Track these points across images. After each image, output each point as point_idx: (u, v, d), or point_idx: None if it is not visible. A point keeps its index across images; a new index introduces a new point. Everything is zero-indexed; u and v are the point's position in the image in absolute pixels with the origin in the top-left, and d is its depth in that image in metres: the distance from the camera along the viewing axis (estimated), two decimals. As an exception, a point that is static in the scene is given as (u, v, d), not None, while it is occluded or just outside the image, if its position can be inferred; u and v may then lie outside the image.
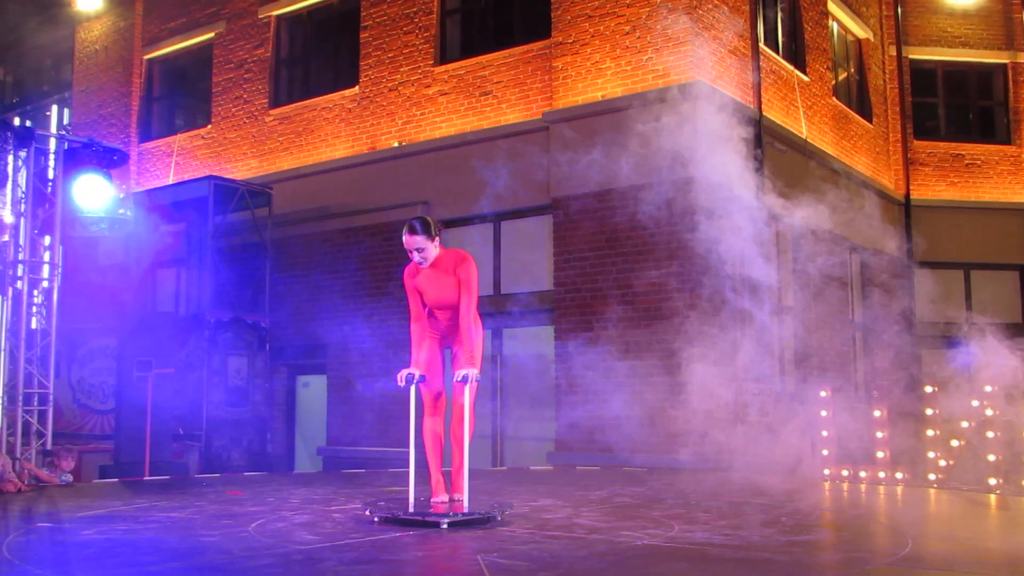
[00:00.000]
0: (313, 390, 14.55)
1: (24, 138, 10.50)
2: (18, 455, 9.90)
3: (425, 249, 6.18)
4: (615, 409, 10.61)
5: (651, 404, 10.70)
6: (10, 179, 10.39)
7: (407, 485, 6.34)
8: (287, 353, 14.12)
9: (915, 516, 7.13)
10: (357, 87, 14.21)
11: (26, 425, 10.32)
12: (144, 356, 12.04)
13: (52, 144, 10.93)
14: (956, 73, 17.31)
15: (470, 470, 6.19)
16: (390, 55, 13.88)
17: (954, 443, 8.47)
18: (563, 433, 11.37)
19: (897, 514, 7.25)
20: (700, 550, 5.21)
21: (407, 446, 6.45)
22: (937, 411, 8.57)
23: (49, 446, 10.46)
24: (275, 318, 13.79)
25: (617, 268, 11.30)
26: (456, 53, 13.38)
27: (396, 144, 13.51)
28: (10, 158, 10.35)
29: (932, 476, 8.45)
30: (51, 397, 10.63)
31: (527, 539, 5.48)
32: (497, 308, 12.30)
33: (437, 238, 6.22)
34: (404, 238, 6.21)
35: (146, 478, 10.58)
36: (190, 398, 12.73)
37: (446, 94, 13.23)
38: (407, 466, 6.38)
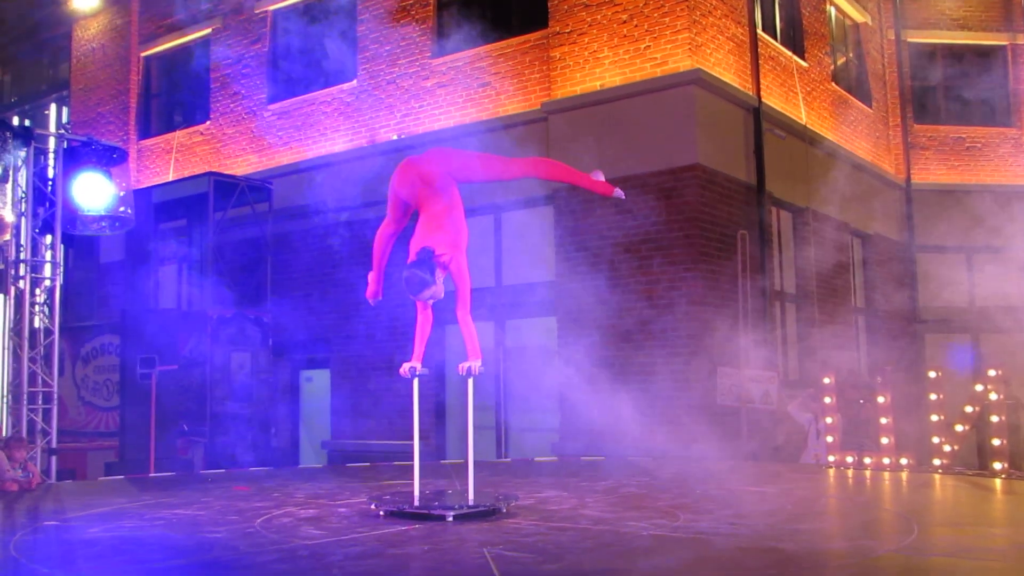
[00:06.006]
0: (317, 384, 14.56)
1: (24, 138, 10.48)
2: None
3: (436, 287, 5.92)
4: (619, 399, 10.60)
5: (655, 393, 10.71)
6: (10, 179, 10.38)
7: (412, 478, 6.35)
8: (290, 348, 14.12)
9: (920, 502, 7.12)
10: (355, 81, 14.19)
11: (31, 424, 10.34)
12: (147, 354, 12.04)
13: (51, 143, 10.93)
14: (955, 56, 17.21)
15: (474, 462, 6.19)
16: (387, 48, 13.85)
17: (959, 428, 8.46)
18: (567, 423, 11.37)
19: (902, 500, 7.25)
20: (706, 540, 5.21)
21: (411, 439, 6.46)
22: (941, 396, 8.56)
23: (54, 444, 10.48)
24: (277, 313, 13.78)
25: (619, 258, 11.29)
26: (454, 45, 13.32)
27: (395, 137, 13.49)
28: (10, 158, 10.34)
29: (937, 461, 8.44)
30: (55, 396, 10.64)
31: (533, 531, 5.48)
32: (499, 300, 12.29)
33: (438, 268, 5.90)
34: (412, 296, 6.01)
35: (151, 475, 10.60)
36: (194, 394, 12.74)
37: (444, 86, 13.20)
38: (411, 459, 6.39)
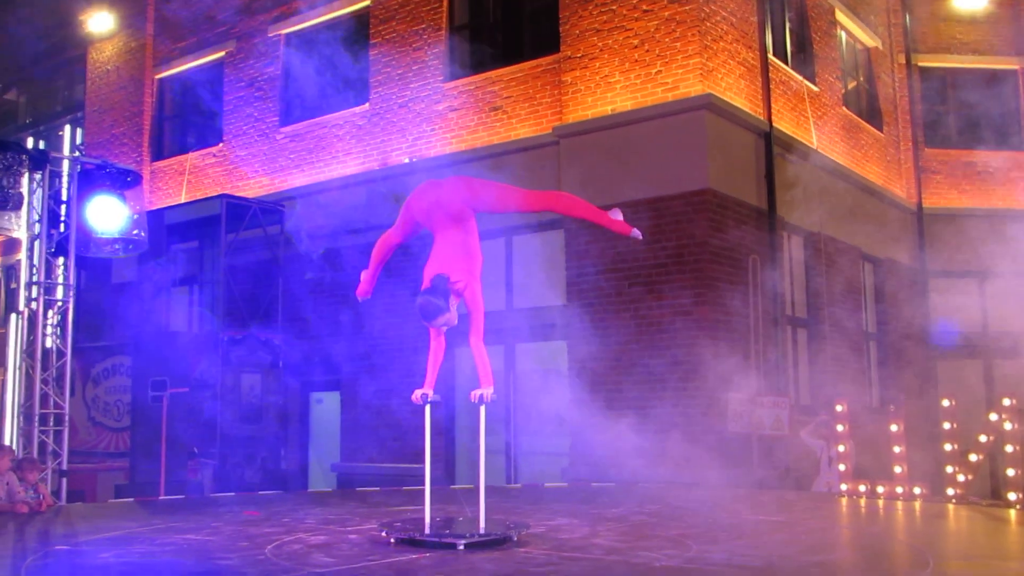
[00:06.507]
0: (327, 407, 14.56)
1: (39, 161, 10.53)
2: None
3: (449, 314, 5.96)
4: (629, 425, 10.57)
5: (665, 418, 10.67)
6: (25, 201, 10.43)
7: (422, 504, 6.33)
8: (300, 370, 14.14)
9: (935, 533, 7.07)
10: (367, 104, 14.26)
11: (42, 445, 10.34)
12: (158, 375, 12.07)
13: (66, 166, 10.98)
14: (966, 80, 17.20)
15: (485, 487, 6.17)
16: (400, 72, 13.92)
17: (972, 457, 8.40)
18: (577, 449, 11.33)
19: (916, 531, 7.19)
20: (718, 571, 5.18)
21: (420, 463, 6.44)
22: (955, 425, 8.50)
23: (65, 466, 10.47)
24: (288, 335, 13.80)
25: (630, 282, 11.28)
26: (466, 69, 13.40)
27: (407, 160, 13.53)
28: (25, 180, 10.40)
29: (951, 491, 8.37)
30: (67, 418, 10.64)
31: (544, 561, 5.46)
32: (509, 323, 12.28)
33: (452, 295, 5.95)
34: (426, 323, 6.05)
35: (161, 497, 10.60)
36: (204, 416, 12.75)
37: (456, 110, 13.26)
38: (422, 484, 6.37)
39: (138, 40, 17.73)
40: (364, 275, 6.80)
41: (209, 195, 15.19)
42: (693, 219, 11.00)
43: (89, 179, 10.86)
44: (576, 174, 11.68)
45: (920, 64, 16.93)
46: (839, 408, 9.42)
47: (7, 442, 10.14)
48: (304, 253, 14.06)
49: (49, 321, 10.96)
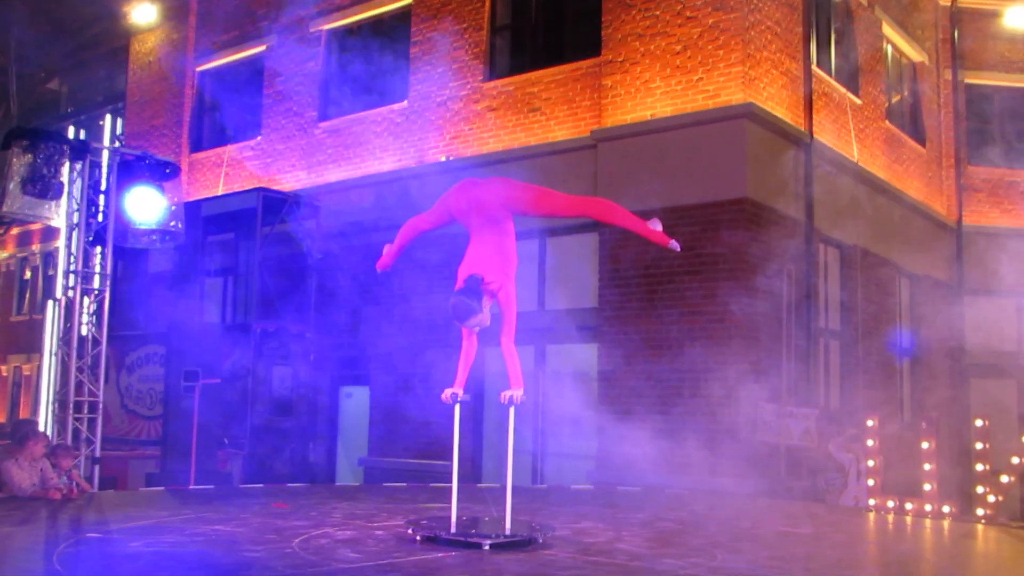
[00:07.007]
0: (356, 400, 14.63)
1: (79, 151, 10.69)
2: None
3: (482, 315, 5.98)
4: (657, 429, 10.55)
5: (693, 425, 10.63)
6: (65, 190, 10.59)
7: (448, 501, 6.34)
8: (331, 363, 14.22)
9: (963, 554, 6.98)
10: (406, 101, 14.31)
11: (75, 432, 10.48)
12: (191, 366, 12.19)
13: (106, 157, 11.12)
14: (1013, 98, 17.00)
15: (512, 487, 6.17)
16: (439, 70, 13.96)
17: (1004, 478, 8.29)
18: (604, 452, 11.32)
19: (944, 552, 7.11)
20: (744, 583, 5.16)
21: (447, 460, 6.45)
22: (987, 445, 8.40)
23: (98, 454, 10.61)
24: (320, 328, 13.88)
25: (662, 288, 11.25)
26: (505, 69, 13.42)
27: (443, 159, 13.57)
28: (65, 170, 10.55)
29: (981, 511, 8.28)
30: (100, 405, 10.79)
31: (569, 564, 5.46)
32: (540, 324, 12.28)
33: (485, 296, 5.97)
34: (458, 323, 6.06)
35: (191, 486, 10.70)
36: (235, 407, 12.87)
37: (494, 110, 13.27)
38: (448, 480, 6.38)
39: (180, 32, 17.91)
40: (387, 248, 6.87)
41: (246, 188, 15.31)
42: (730, 227, 10.93)
43: (129, 170, 11.00)
44: (613, 178, 11.66)
45: (967, 81, 16.74)
46: (870, 422, 9.33)
47: (42, 428, 10.29)
48: (336, 247, 14.15)
49: (85, 309, 11.13)
